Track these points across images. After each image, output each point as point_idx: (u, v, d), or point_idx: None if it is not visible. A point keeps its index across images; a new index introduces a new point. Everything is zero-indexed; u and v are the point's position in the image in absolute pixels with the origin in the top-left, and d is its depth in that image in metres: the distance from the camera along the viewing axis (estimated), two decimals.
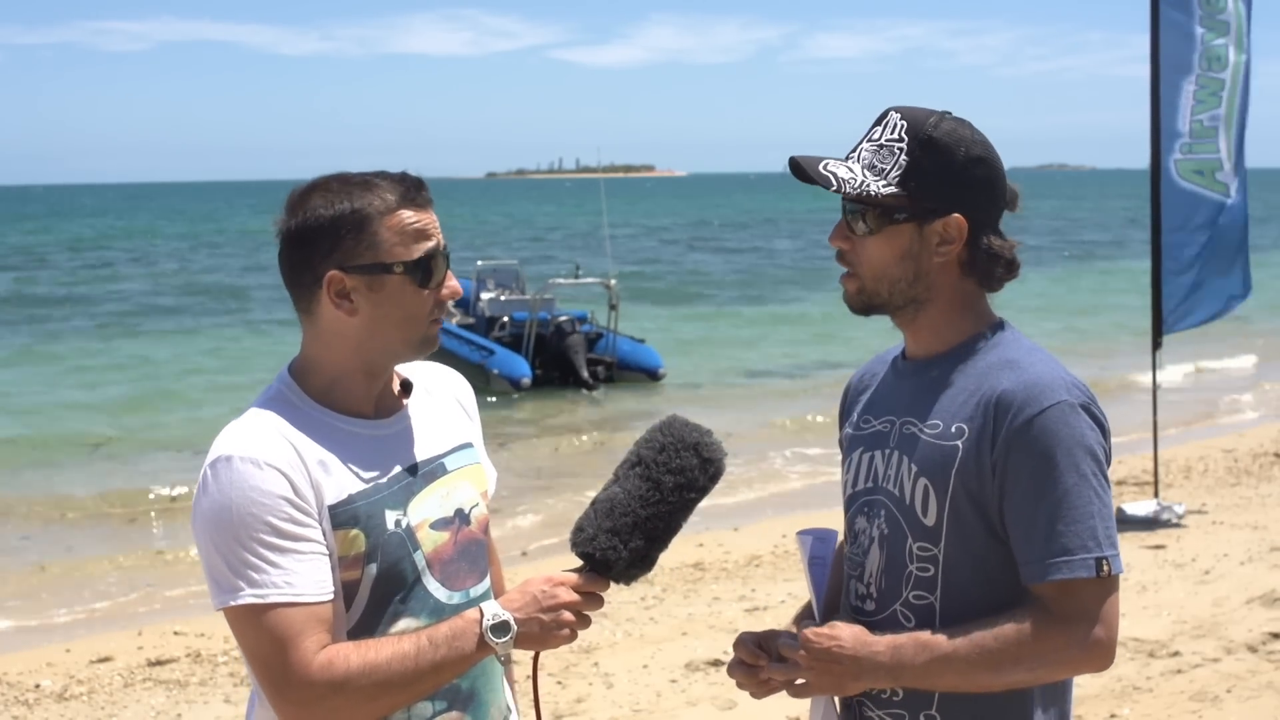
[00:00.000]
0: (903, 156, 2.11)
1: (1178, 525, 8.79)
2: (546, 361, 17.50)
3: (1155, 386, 9.55)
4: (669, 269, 40.31)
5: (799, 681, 2.10)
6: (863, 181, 2.10)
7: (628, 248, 47.41)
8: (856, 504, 2.25)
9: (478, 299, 19.37)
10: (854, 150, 2.17)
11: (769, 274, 37.84)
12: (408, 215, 2.11)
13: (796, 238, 55.45)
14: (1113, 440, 2.14)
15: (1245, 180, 9.15)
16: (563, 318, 17.82)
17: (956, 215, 2.11)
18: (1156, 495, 9.36)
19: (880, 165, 2.12)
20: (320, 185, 2.12)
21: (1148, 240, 9.24)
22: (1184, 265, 9.07)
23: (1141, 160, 9.24)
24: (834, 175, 2.11)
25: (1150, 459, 9.72)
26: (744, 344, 22.47)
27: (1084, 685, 5.68)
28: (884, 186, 2.10)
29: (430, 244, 2.13)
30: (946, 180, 2.11)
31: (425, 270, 2.12)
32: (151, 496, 11.32)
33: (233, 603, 2.01)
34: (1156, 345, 9.26)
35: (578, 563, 2.09)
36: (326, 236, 2.08)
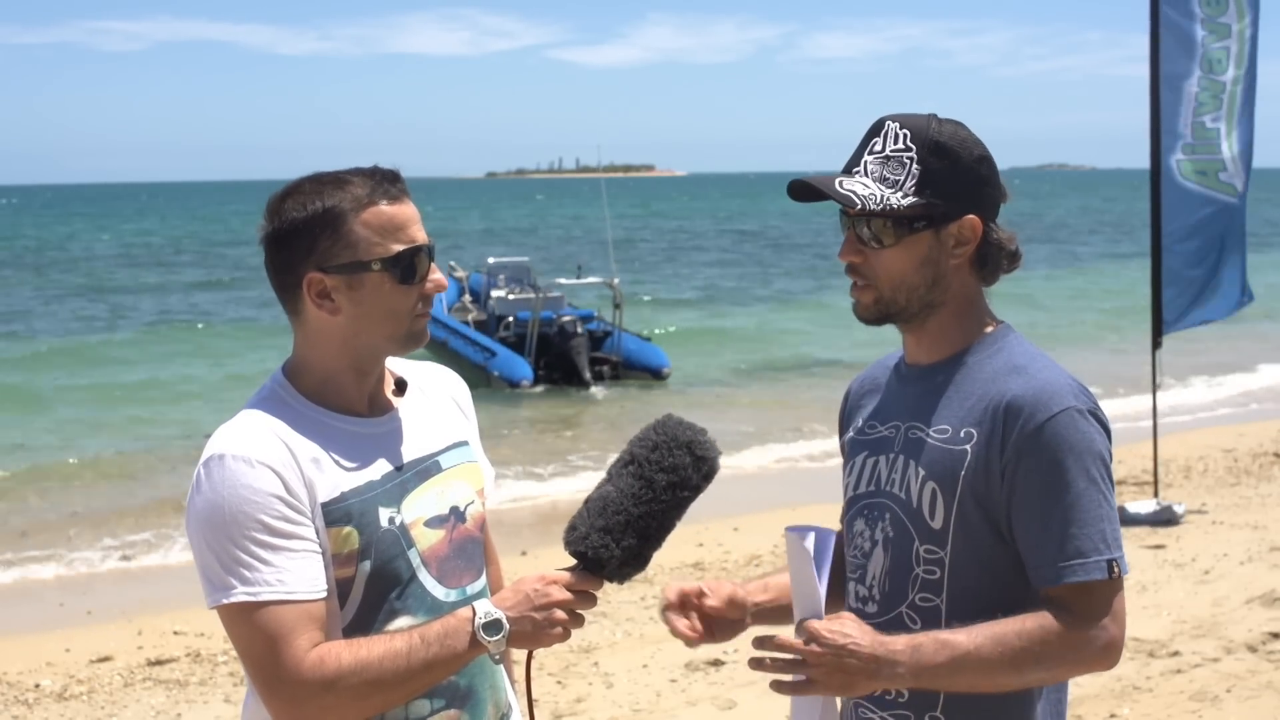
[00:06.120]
0: (914, 165, 2.11)
1: (1178, 525, 8.79)
2: (550, 362, 17.46)
3: (1155, 386, 9.54)
4: None
5: (792, 678, 2.00)
6: (883, 196, 2.10)
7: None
8: (856, 507, 2.25)
9: (489, 295, 19.36)
10: (856, 164, 2.15)
11: None
12: (382, 208, 2.11)
13: None
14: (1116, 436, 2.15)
15: (1249, 182, 9.15)
16: (566, 317, 17.77)
17: (971, 216, 2.12)
18: (1156, 495, 9.36)
19: (893, 177, 2.11)
20: (295, 188, 2.13)
21: (1147, 240, 9.25)
22: (1185, 265, 9.07)
23: (1142, 160, 9.24)
24: (854, 193, 2.10)
25: (1150, 459, 9.72)
26: (749, 341, 22.47)
27: (1084, 685, 5.67)
28: (903, 198, 2.10)
29: (409, 238, 2.12)
30: (960, 183, 2.12)
31: (405, 266, 2.12)
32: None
33: (225, 600, 2.01)
34: (1156, 345, 9.26)
35: (572, 561, 2.09)
36: (303, 238, 2.09)
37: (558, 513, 10.35)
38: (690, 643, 2.23)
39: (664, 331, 22.18)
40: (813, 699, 2.03)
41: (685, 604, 2.23)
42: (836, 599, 2.28)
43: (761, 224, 69.02)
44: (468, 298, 20.24)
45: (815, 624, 2.00)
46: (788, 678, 2.01)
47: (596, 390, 17.07)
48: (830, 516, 2.34)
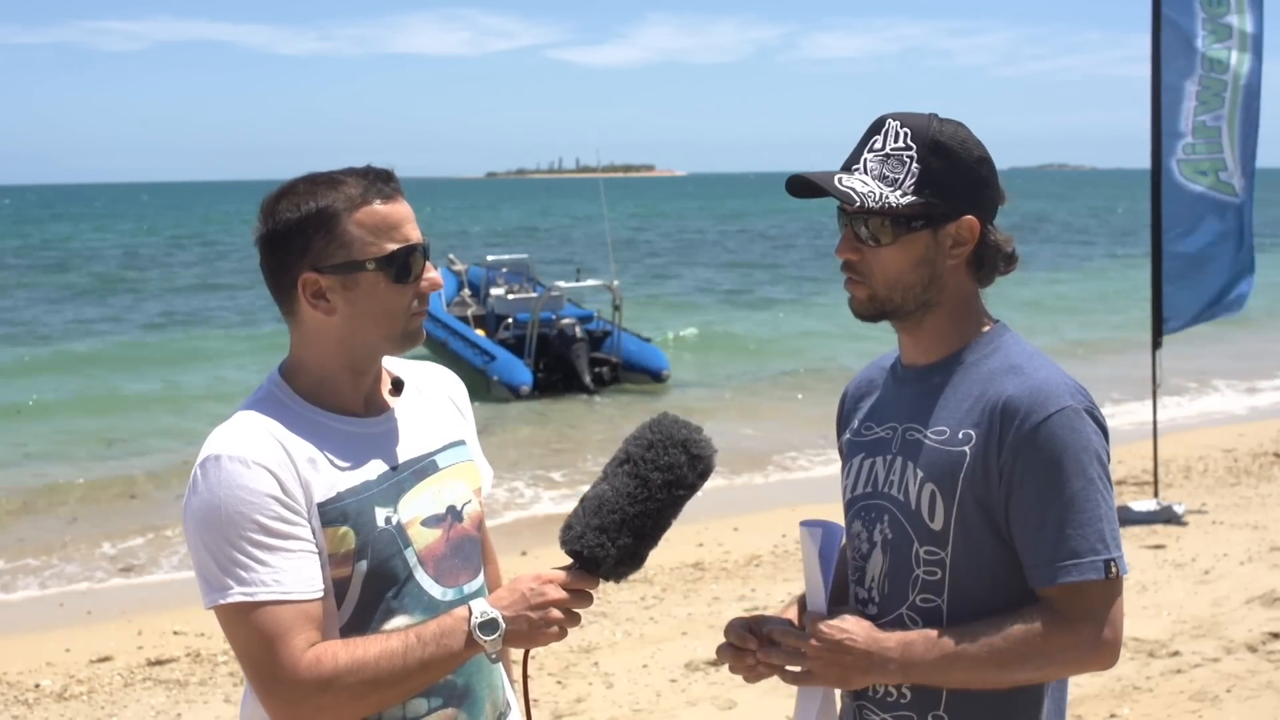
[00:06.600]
0: (914, 164, 2.10)
1: (1178, 525, 8.79)
2: (550, 364, 17.42)
3: (1155, 386, 9.54)
4: None
5: (798, 669, 2.10)
6: (882, 194, 2.10)
7: None
8: (855, 509, 2.26)
9: (488, 292, 19.32)
10: (856, 162, 2.15)
11: None
12: (376, 208, 2.11)
13: None
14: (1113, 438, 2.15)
15: (1253, 182, 9.15)
16: (566, 319, 17.71)
17: (969, 216, 2.12)
18: (1156, 495, 9.36)
19: (892, 175, 2.11)
20: (288, 188, 2.13)
21: (1148, 240, 9.25)
22: (1186, 265, 9.07)
23: (1142, 160, 9.24)
24: (853, 190, 2.10)
25: (1150, 459, 9.72)
26: (752, 342, 22.45)
27: (1084, 685, 5.68)
28: (902, 197, 2.10)
29: (403, 237, 2.13)
30: (959, 184, 2.12)
31: (400, 265, 2.12)
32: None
33: (222, 601, 2.02)
34: (1156, 345, 9.26)
35: (569, 560, 2.09)
36: (297, 239, 2.09)
37: (557, 513, 10.35)
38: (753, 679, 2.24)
39: (672, 336, 22.14)
40: (814, 690, 2.16)
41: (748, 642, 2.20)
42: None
43: (763, 224, 68.92)
44: (466, 291, 20.16)
45: (816, 620, 2.08)
46: (794, 668, 2.12)
47: (597, 396, 17.03)
48: (831, 518, 2.34)
